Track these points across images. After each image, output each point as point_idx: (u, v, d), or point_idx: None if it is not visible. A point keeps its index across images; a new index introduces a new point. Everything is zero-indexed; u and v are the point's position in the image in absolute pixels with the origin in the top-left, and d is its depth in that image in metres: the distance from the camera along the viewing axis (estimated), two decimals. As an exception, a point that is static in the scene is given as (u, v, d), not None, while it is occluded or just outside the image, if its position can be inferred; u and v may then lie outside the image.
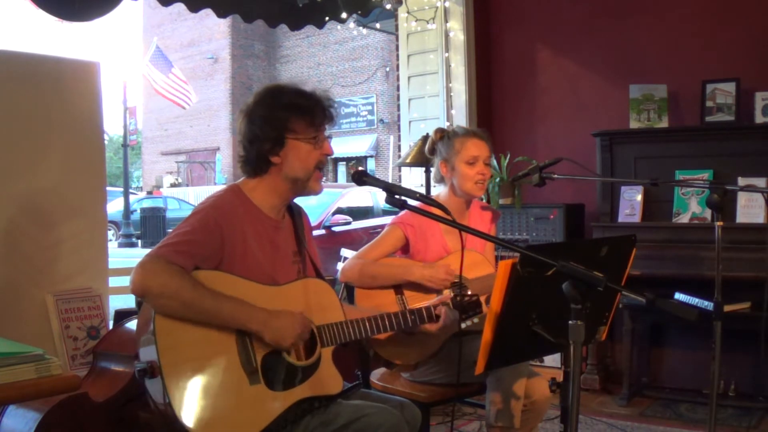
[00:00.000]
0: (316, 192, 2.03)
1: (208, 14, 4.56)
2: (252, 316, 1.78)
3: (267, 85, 2.04)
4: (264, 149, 1.92)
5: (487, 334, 1.73)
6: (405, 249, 2.60)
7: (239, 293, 1.80)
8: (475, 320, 2.21)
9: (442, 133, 2.65)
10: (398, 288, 2.49)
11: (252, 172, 1.96)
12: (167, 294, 1.69)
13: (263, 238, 1.94)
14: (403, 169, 4.88)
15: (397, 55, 4.97)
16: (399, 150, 4.99)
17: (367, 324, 2.04)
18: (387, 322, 2.09)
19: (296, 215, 2.10)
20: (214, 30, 24.83)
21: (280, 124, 1.92)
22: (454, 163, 2.57)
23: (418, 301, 2.47)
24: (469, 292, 2.25)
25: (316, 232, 8.40)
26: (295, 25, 4.64)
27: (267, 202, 1.97)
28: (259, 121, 1.91)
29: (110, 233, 16.92)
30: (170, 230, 1.89)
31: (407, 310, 2.17)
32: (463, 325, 2.18)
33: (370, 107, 22.26)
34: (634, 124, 4.11)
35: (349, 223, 9.28)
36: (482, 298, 2.47)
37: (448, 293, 2.50)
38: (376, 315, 2.08)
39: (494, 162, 4.18)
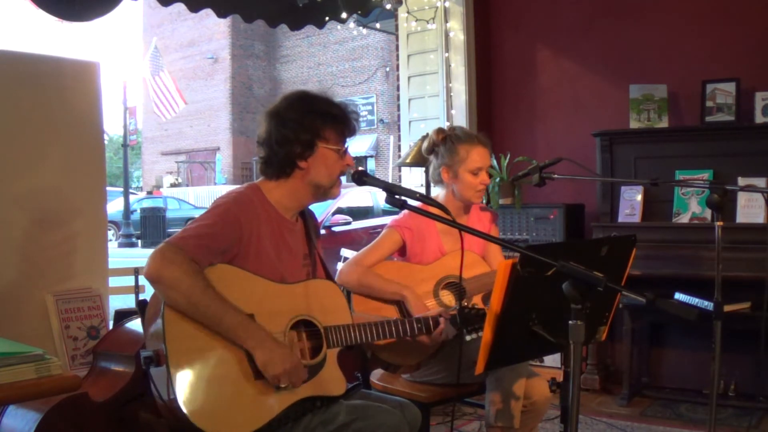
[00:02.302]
0: (336, 197, 2.07)
1: (208, 14, 4.56)
2: (252, 334, 1.77)
3: (295, 90, 2.06)
4: (294, 152, 1.93)
5: (487, 334, 1.73)
6: (402, 251, 2.60)
7: (248, 288, 1.83)
8: (481, 334, 2.18)
9: (443, 135, 2.62)
10: None
11: (273, 174, 1.98)
12: (178, 288, 1.71)
13: (277, 238, 1.96)
14: (403, 169, 4.87)
15: (397, 55, 4.97)
16: (399, 150, 4.99)
17: (374, 328, 2.04)
18: (394, 328, 2.10)
19: (308, 218, 2.12)
20: (214, 30, 24.84)
21: (315, 130, 1.94)
22: (457, 171, 2.56)
23: (415, 306, 2.46)
24: (474, 303, 2.23)
25: (315, 232, 8.43)
26: (295, 25, 4.64)
27: (283, 203, 1.99)
28: (292, 124, 1.93)
29: (110, 233, 16.93)
30: (171, 231, 1.89)
31: (414, 318, 2.17)
32: (468, 338, 2.17)
33: (370, 107, 22.27)
34: (634, 124, 4.10)
35: (349, 223, 9.29)
36: (479, 296, 2.48)
37: (449, 298, 2.49)
38: (383, 320, 2.09)
39: (494, 162, 4.18)
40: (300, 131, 1.93)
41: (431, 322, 2.17)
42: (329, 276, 2.12)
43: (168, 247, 1.74)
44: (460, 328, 2.16)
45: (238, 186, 2.06)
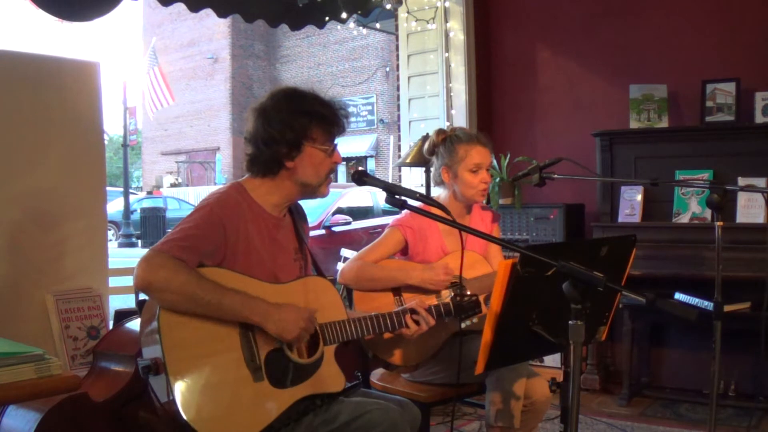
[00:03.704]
0: (324, 195, 2.05)
1: (208, 14, 4.56)
2: (255, 308, 1.78)
3: (283, 87, 2.02)
4: (280, 152, 1.91)
5: (487, 334, 1.73)
6: (404, 251, 2.60)
7: (243, 290, 1.81)
8: (475, 320, 2.21)
9: (443, 135, 2.63)
10: (396, 290, 2.49)
11: (259, 172, 1.96)
12: (171, 288, 1.70)
13: (265, 235, 1.94)
14: (403, 169, 4.88)
15: (397, 55, 4.97)
16: (399, 150, 4.99)
17: (368, 322, 2.04)
18: (389, 321, 2.09)
19: (296, 214, 2.11)
20: (214, 30, 24.83)
21: (301, 130, 1.91)
22: (456, 171, 2.56)
23: (420, 279, 2.46)
24: (468, 292, 2.24)
25: (316, 232, 8.44)
26: (296, 25, 4.64)
27: (269, 201, 1.97)
28: (278, 123, 1.90)
29: (110, 233, 16.94)
30: (169, 230, 1.89)
31: (408, 309, 2.16)
32: (462, 325, 2.18)
33: (370, 107, 22.26)
34: (634, 124, 4.11)
35: (349, 223, 9.29)
36: (481, 298, 2.48)
37: (446, 293, 2.50)
38: (378, 314, 2.08)
39: (494, 162, 4.18)
40: (286, 131, 1.90)
41: (408, 317, 2.15)
42: (319, 269, 2.12)
43: (152, 253, 1.73)
44: (455, 316, 2.16)
45: (220, 186, 2.04)
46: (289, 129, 1.90)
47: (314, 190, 2.00)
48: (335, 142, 2.00)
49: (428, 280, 2.43)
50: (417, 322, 2.15)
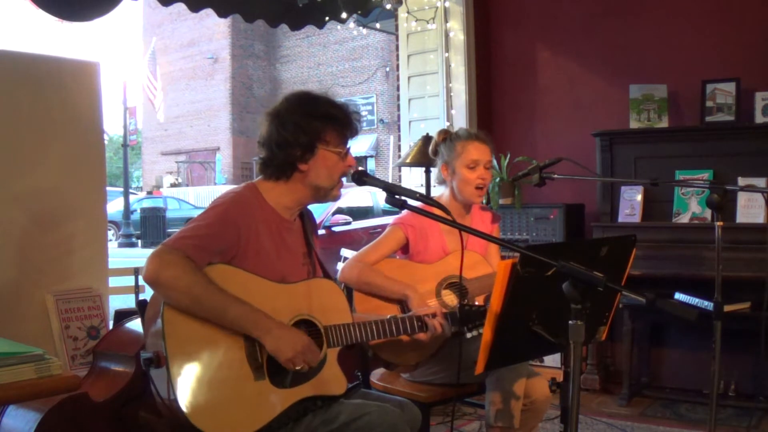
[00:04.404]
0: (336, 199, 2.06)
1: (208, 14, 4.56)
2: (257, 322, 1.78)
3: (297, 91, 2.04)
4: (294, 155, 1.92)
5: (487, 334, 1.73)
6: (405, 249, 2.60)
7: (248, 288, 1.82)
8: (481, 331, 2.18)
9: (445, 135, 2.65)
10: None
11: (273, 176, 1.97)
12: (179, 288, 1.71)
13: (275, 237, 1.95)
14: (403, 169, 4.88)
15: (397, 55, 4.97)
16: (399, 150, 4.99)
17: (373, 327, 2.04)
18: (393, 326, 2.09)
19: (306, 218, 2.12)
20: (214, 30, 24.84)
21: (315, 132, 1.93)
22: (455, 167, 2.57)
23: (417, 305, 2.46)
24: (477, 303, 2.22)
25: (315, 232, 8.45)
26: (296, 25, 4.64)
27: (282, 203, 1.98)
28: (291, 126, 1.92)
29: (110, 233, 16.93)
30: (171, 231, 1.89)
31: (414, 316, 2.15)
32: (469, 335, 2.16)
33: (370, 107, 22.27)
34: (634, 124, 4.11)
35: (349, 223, 9.30)
36: (482, 298, 2.48)
37: (451, 298, 2.49)
38: (383, 318, 2.08)
39: (494, 162, 4.18)
40: (300, 134, 1.91)
41: (429, 320, 2.16)
42: (327, 274, 2.12)
43: (164, 248, 1.74)
44: (461, 325, 2.16)
45: (235, 186, 2.05)
46: (303, 132, 1.92)
47: (326, 193, 2.00)
48: (348, 145, 2.01)
49: (412, 301, 2.37)
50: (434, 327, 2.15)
